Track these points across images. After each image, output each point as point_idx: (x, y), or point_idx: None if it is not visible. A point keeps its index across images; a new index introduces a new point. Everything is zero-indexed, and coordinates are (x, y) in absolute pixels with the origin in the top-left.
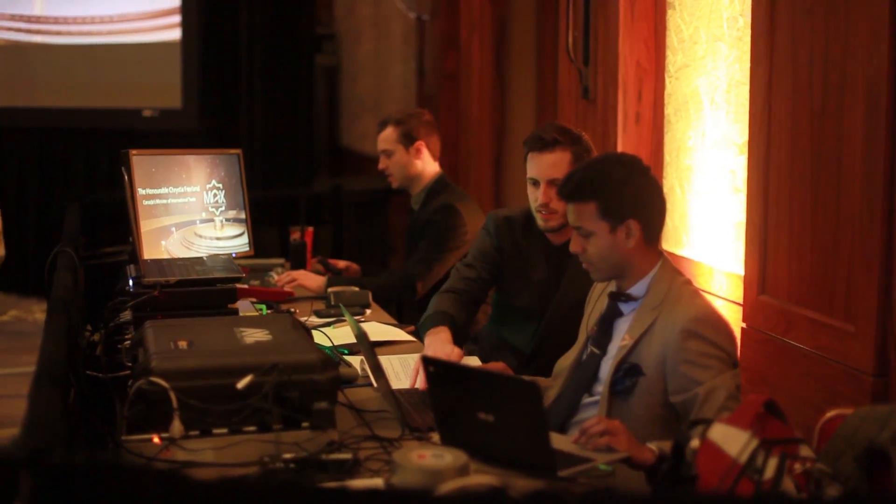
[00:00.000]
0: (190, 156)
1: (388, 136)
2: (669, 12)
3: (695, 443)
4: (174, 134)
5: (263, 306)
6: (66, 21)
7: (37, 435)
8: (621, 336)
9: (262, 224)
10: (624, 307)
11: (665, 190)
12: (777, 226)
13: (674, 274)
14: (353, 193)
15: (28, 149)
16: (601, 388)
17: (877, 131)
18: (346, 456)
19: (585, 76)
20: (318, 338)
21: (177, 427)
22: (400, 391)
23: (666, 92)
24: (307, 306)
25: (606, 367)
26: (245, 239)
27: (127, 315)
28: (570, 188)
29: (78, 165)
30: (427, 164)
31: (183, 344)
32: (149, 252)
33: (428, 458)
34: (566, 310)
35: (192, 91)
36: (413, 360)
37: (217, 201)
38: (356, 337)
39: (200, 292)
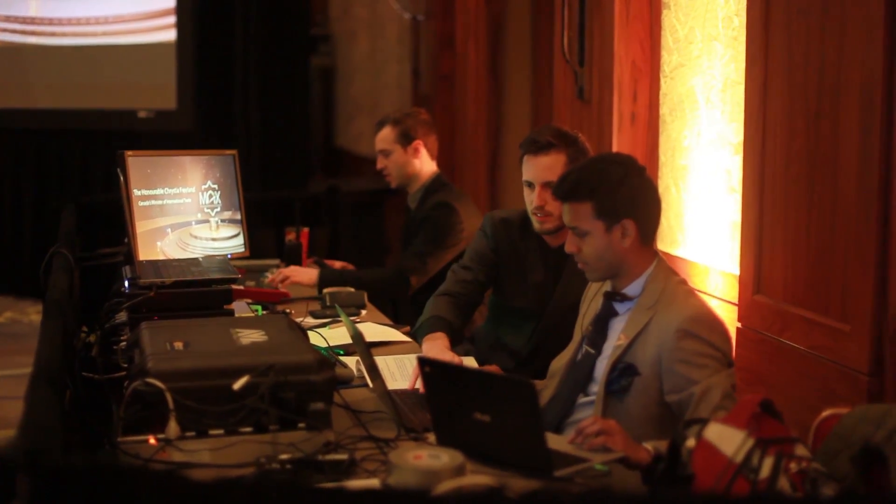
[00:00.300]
0: (185, 157)
1: (385, 136)
2: (665, 12)
3: (690, 442)
4: (170, 135)
5: (259, 307)
6: (61, 22)
7: (33, 436)
8: (616, 336)
9: (258, 225)
10: (619, 307)
11: (660, 190)
12: (772, 226)
13: (669, 274)
14: (349, 194)
15: (23, 150)
16: (596, 387)
17: (871, 130)
18: (343, 456)
19: (581, 77)
20: (314, 338)
21: (173, 428)
22: (396, 392)
23: (661, 92)
24: (303, 307)
25: (601, 367)
26: (241, 240)
27: (122, 316)
28: (566, 188)
29: (73, 167)
30: (424, 164)
31: (179, 345)
32: (144, 253)
33: (424, 458)
34: (564, 311)
35: (187, 92)
36: (409, 360)
37: (212, 202)
38: (352, 337)
39: (197, 293)
